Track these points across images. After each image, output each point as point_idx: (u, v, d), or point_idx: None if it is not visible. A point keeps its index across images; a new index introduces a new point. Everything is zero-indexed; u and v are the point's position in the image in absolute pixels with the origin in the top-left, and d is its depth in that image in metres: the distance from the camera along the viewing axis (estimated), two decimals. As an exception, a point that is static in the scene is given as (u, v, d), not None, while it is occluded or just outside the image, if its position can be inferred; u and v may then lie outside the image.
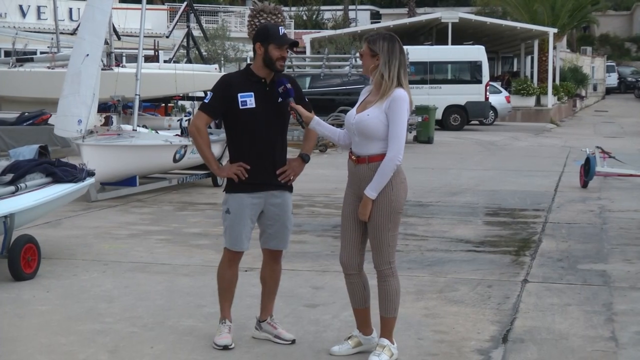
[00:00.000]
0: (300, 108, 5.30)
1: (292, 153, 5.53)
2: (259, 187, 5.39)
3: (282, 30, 5.40)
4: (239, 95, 5.32)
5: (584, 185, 14.28)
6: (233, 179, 5.39)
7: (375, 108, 5.01)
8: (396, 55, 5.02)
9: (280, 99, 5.33)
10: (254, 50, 5.40)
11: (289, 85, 5.32)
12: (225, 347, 5.44)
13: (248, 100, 5.32)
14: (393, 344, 5.23)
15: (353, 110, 5.17)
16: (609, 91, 65.10)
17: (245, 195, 5.38)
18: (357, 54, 22.93)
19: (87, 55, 11.74)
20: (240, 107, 5.32)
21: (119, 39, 19.49)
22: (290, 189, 5.55)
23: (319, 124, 5.31)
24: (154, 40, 25.42)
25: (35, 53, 22.96)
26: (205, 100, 5.49)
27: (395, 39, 5.09)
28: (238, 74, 5.63)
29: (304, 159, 5.54)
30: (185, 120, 14.74)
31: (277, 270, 5.69)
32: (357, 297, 5.30)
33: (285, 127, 5.53)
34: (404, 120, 4.99)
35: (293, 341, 5.59)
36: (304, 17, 60.91)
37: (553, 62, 41.40)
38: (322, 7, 63.74)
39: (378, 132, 4.98)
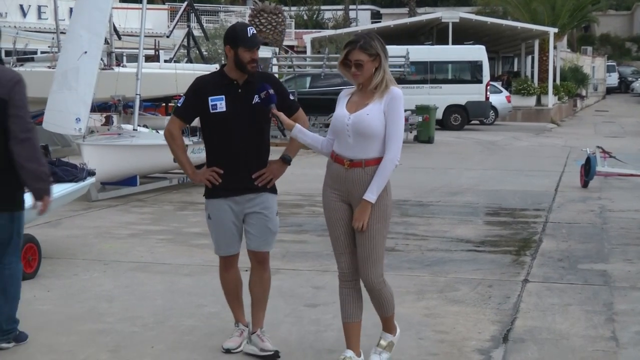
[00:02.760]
0: (282, 115, 5.04)
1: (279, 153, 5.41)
2: (234, 192, 5.21)
3: (251, 31, 5.15)
4: (210, 98, 5.14)
5: (585, 185, 14.28)
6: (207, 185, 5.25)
7: (373, 107, 4.78)
8: (387, 52, 4.86)
9: (257, 101, 5.10)
10: (226, 53, 5.20)
11: (271, 91, 5.05)
12: (228, 351, 5.38)
13: (218, 103, 5.13)
14: (396, 331, 5.25)
15: (344, 111, 4.87)
16: (610, 91, 65.11)
17: (222, 200, 5.22)
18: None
19: (85, 52, 11.68)
20: (211, 111, 5.14)
21: (119, 38, 19.46)
22: (272, 190, 5.31)
23: (301, 132, 5.06)
24: (155, 40, 25.39)
25: (35, 53, 22.93)
26: (179, 104, 5.34)
27: (377, 36, 4.88)
28: (211, 75, 5.38)
29: (286, 160, 5.33)
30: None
31: (265, 278, 5.42)
32: (353, 308, 5.05)
33: (262, 129, 5.25)
34: (403, 119, 4.82)
35: (276, 352, 5.32)
36: (305, 17, 60.97)
37: (553, 62, 41.39)
38: (323, 7, 63.80)
39: (377, 132, 4.75)
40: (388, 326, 5.23)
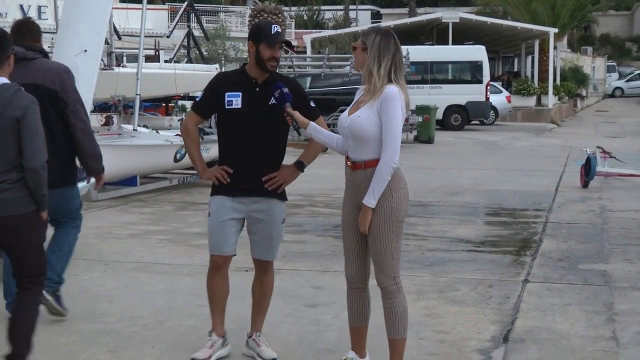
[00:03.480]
0: (296, 114, 4.95)
1: (295, 154, 5.41)
2: (242, 193, 5.10)
3: (275, 28, 5.08)
4: (226, 94, 5.08)
5: (585, 185, 14.28)
6: (215, 182, 5.18)
7: (366, 108, 4.65)
8: (389, 51, 4.64)
9: (273, 102, 5.04)
10: (248, 50, 5.16)
11: (285, 90, 4.98)
12: None
13: (234, 100, 5.06)
14: None
15: (345, 113, 4.81)
16: (609, 91, 65.11)
17: (226, 198, 5.12)
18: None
19: (86, 50, 11.62)
20: (226, 107, 5.08)
21: (119, 38, 19.47)
22: (280, 196, 5.20)
23: (316, 130, 4.97)
24: (155, 40, 25.42)
25: (35, 53, 22.91)
26: (197, 99, 5.30)
27: (390, 34, 4.70)
28: (233, 72, 5.37)
29: (299, 167, 5.23)
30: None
31: (266, 283, 5.37)
32: (359, 313, 4.95)
33: (277, 131, 5.15)
34: (398, 119, 4.61)
35: None
36: (305, 17, 60.99)
37: (554, 62, 41.41)
38: (323, 7, 63.82)
39: (371, 134, 4.62)
40: (397, 354, 4.83)
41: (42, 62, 5.86)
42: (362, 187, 4.71)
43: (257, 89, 5.09)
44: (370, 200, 4.64)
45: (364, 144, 4.68)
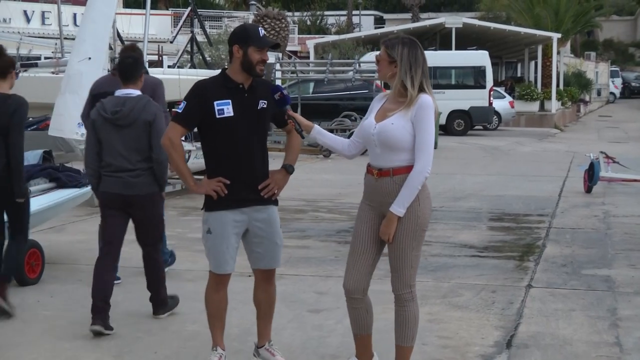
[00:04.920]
0: (298, 116, 4.89)
1: (278, 158, 5.34)
2: (241, 203, 4.94)
3: (262, 31, 4.95)
4: (215, 103, 4.87)
5: (588, 190, 14.27)
6: (212, 196, 4.92)
7: (399, 116, 4.59)
8: (419, 63, 4.61)
9: (261, 107, 4.95)
10: (230, 53, 4.94)
11: (285, 92, 4.96)
12: None
13: (225, 108, 4.86)
14: None
15: (371, 119, 4.70)
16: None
17: (226, 212, 4.94)
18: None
19: (90, 58, 11.67)
20: (217, 117, 4.87)
21: (123, 44, 19.51)
22: (275, 202, 5.10)
23: (320, 133, 4.91)
24: (158, 46, 25.50)
25: (39, 58, 22.96)
26: (179, 110, 4.96)
27: (416, 44, 4.65)
28: (213, 79, 5.04)
29: (288, 170, 5.08)
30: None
31: (271, 292, 5.25)
32: (360, 322, 4.87)
33: (265, 136, 5.08)
34: (432, 129, 4.63)
35: None
36: (308, 22, 61.04)
37: (557, 67, 41.39)
38: (326, 13, 63.86)
39: (403, 143, 4.59)
40: None
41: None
42: (389, 194, 4.63)
43: (246, 95, 4.94)
44: (399, 209, 4.58)
45: (394, 151, 4.62)
